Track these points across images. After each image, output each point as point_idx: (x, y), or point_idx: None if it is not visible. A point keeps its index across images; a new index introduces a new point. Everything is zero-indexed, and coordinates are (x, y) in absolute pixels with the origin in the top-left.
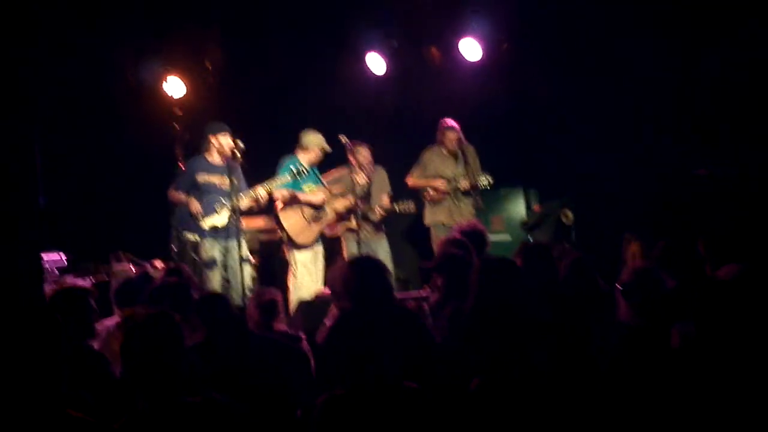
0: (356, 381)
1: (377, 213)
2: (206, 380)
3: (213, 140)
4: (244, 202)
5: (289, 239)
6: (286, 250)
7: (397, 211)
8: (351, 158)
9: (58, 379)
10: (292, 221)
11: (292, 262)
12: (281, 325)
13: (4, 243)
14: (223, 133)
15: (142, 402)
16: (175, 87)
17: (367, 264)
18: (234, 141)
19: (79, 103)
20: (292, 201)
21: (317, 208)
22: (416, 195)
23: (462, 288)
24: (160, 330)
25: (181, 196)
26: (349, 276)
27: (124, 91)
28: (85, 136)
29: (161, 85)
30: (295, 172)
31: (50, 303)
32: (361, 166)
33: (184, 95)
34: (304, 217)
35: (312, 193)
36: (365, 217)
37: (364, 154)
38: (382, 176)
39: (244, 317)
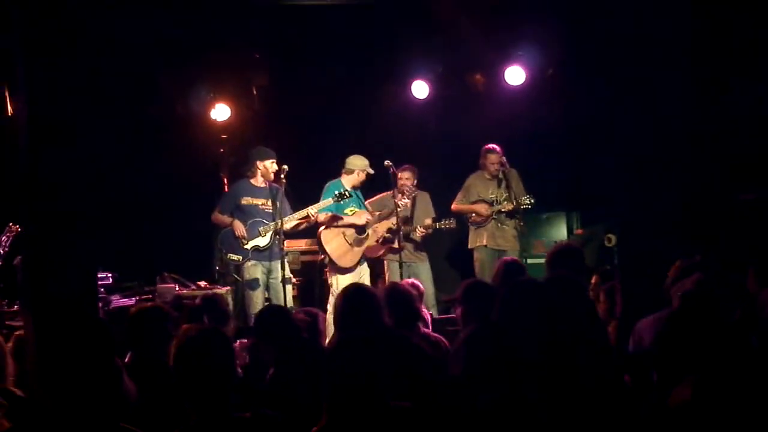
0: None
1: (419, 233)
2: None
3: (259, 165)
4: (288, 224)
5: (332, 262)
6: (328, 273)
7: (438, 227)
8: (394, 181)
9: (111, 391)
10: (335, 244)
11: (334, 285)
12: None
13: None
14: (269, 159)
15: (193, 417)
16: (221, 112)
17: (355, 293)
18: (278, 165)
19: (130, 128)
20: (335, 223)
21: (359, 230)
22: (462, 220)
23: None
24: (212, 345)
25: (225, 218)
26: (338, 305)
27: (172, 117)
28: (135, 161)
29: (208, 112)
30: (338, 195)
31: (132, 319)
32: (404, 189)
33: (230, 120)
34: (346, 240)
35: (355, 215)
36: (407, 238)
37: (407, 177)
38: (425, 200)
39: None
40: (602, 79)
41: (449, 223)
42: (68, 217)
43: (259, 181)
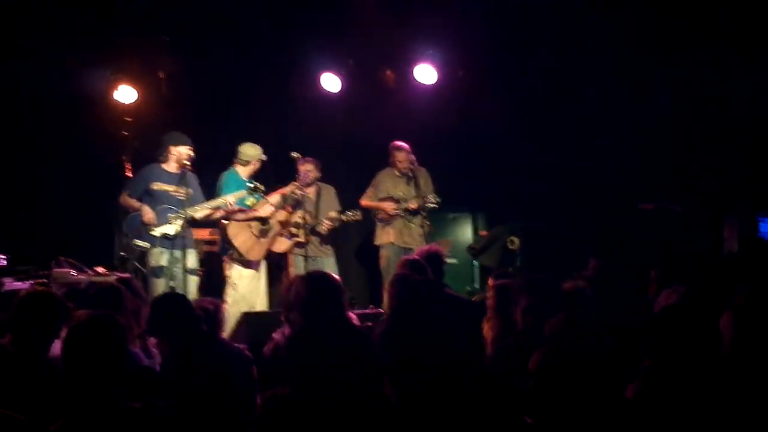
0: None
1: (325, 225)
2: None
3: (173, 150)
4: (199, 213)
5: (240, 256)
6: (226, 264)
7: (344, 220)
8: (300, 174)
9: None
10: (243, 237)
11: (234, 277)
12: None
13: None
14: (184, 144)
15: (80, 405)
16: (125, 95)
17: (321, 279)
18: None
19: (27, 107)
20: (239, 216)
21: (264, 222)
22: (369, 215)
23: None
24: (102, 331)
25: (133, 202)
26: (302, 290)
27: (72, 97)
28: (31, 141)
29: (111, 93)
30: (252, 188)
31: (18, 303)
32: (309, 182)
33: (135, 103)
34: (252, 232)
35: (259, 208)
36: (313, 232)
37: (309, 168)
38: (330, 193)
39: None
40: (513, 82)
41: (355, 215)
42: None
43: (171, 167)
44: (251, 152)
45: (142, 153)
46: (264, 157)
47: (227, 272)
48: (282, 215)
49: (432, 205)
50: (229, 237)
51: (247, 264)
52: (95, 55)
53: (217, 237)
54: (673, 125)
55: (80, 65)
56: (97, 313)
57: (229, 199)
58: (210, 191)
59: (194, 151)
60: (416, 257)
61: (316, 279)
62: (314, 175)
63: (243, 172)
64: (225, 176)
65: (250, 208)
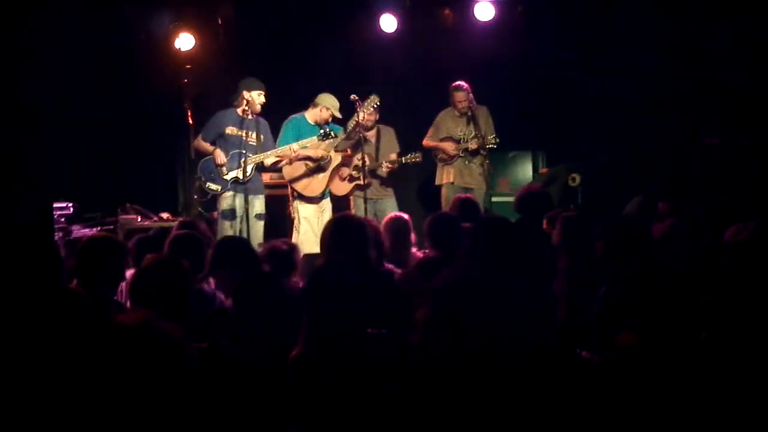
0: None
1: (384, 168)
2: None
3: (246, 95)
4: (268, 159)
5: (297, 193)
6: (291, 206)
7: (403, 162)
8: (360, 116)
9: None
10: (298, 174)
11: (296, 217)
12: (297, 280)
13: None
14: (257, 90)
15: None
16: (185, 41)
17: (344, 222)
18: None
19: (91, 57)
20: (296, 157)
21: (320, 160)
22: (430, 156)
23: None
24: (168, 274)
25: (207, 146)
26: (326, 231)
27: (134, 45)
28: (96, 89)
29: (172, 41)
30: (323, 134)
31: (84, 249)
32: (369, 125)
33: (194, 50)
34: (309, 168)
35: (311, 148)
36: (373, 174)
37: (371, 112)
38: (389, 134)
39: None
40: (571, 18)
41: (415, 157)
42: (26, 143)
43: (244, 112)
44: (326, 100)
45: (202, 100)
46: (338, 114)
47: (293, 214)
48: (339, 157)
49: (491, 145)
50: (286, 177)
51: (306, 201)
52: (155, 3)
53: (280, 181)
54: (736, 54)
55: (140, 13)
56: (163, 257)
57: (293, 146)
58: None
59: (266, 95)
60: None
61: (338, 221)
62: (374, 117)
63: (310, 116)
64: (289, 120)
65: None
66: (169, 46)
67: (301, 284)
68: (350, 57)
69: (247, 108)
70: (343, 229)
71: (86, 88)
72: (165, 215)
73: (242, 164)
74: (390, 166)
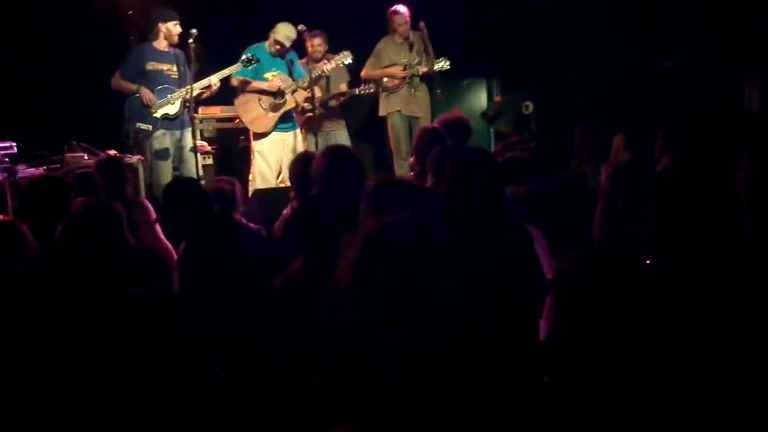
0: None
1: (337, 99)
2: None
3: (161, 27)
4: (195, 90)
5: (245, 127)
6: (251, 139)
7: (357, 93)
8: (309, 48)
9: None
10: (247, 107)
11: (254, 151)
12: (238, 216)
13: None
14: (172, 20)
15: (81, 294)
16: None
17: (341, 152)
18: (182, 27)
19: None
20: (247, 88)
21: (275, 95)
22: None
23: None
24: (98, 220)
25: (129, 84)
26: (323, 164)
27: None
28: (35, 22)
29: None
30: (245, 60)
31: (27, 191)
32: (316, 56)
33: None
34: (261, 104)
35: (269, 82)
36: (325, 106)
37: (318, 43)
38: (341, 70)
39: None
40: None
41: (368, 88)
42: None
43: (162, 45)
44: (281, 31)
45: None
46: (283, 41)
47: (252, 146)
48: (298, 94)
49: (442, 69)
50: (236, 107)
51: (257, 137)
52: None
53: (230, 113)
54: None
55: None
56: (92, 200)
57: (212, 78)
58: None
59: (184, 26)
60: (436, 125)
61: (336, 153)
62: (324, 48)
63: (270, 46)
64: (247, 49)
65: (269, 81)
66: None
67: (243, 220)
68: None
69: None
70: (341, 161)
71: (29, 23)
72: (113, 152)
73: (170, 99)
74: (342, 97)
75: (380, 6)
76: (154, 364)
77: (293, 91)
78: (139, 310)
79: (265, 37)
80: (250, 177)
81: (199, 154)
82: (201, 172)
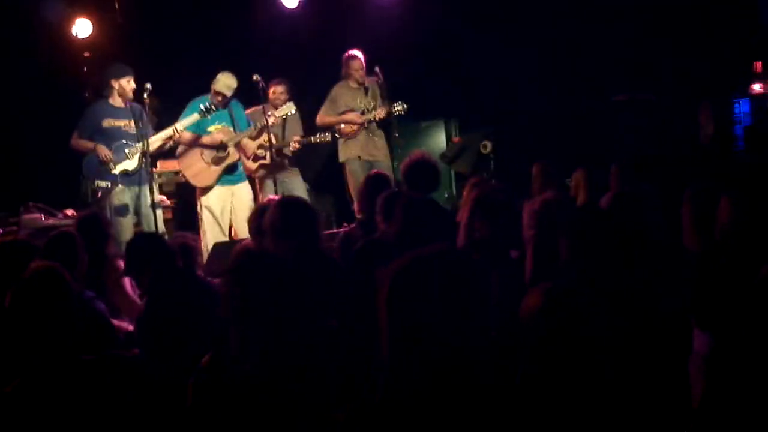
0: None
1: (292, 147)
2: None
3: (114, 83)
4: (153, 145)
5: (188, 182)
6: (197, 194)
7: (312, 141)
8: (264, 96)
9: None
10: (189, 162)
11: (199, 207)
12: (200, 272)
13: None
14: (125, 76)
15: (35, 362)
16: (82, 28)
17: (295, 204)
18: (136, 82)
19: None
20: (189, 142)
21: (218, 149)
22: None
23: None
24: (47, 286)
25: (86, 143)
26: (276, 216)
27: (28, 32)
28: None
29: (68, 27)
30: (203, 109)
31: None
32: (276, 104)
33: (92, 36)
34: (203, 158)
35: (214, 133)
36: (280, 154)
37: (281, 91)
38: (295, 115)
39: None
40: None
41: (324, 137)
42: None
43: (117, 101)
44: (221, 81)
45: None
46: (224, 92)
47: (198, 202)
48: (251, 142)
49: (400, 112)
50: (178, 161)
51: (205, 191)
52: None
53: None
54: (639, 13)
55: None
56: (39, 267)
57: (177, 126)
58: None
59: (138, 81)
60: (380, 171)
61: (289, 204)
62: (285, 96)
63: (211, 98)
64: (191, 103)
65: (211, 135)
66: (65, 33)
67: (205, 277)
68: (252, 34)
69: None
70: (294, 213)
71: None
72: (70, 212)
73: (128, 155)
74: (297, 145)
75: (332, 50)
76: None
77: (236, 143)
78: (92, 377)
79: (209, 88)
80: (201, 232)
81: (159, 210)
82: (162, 228)
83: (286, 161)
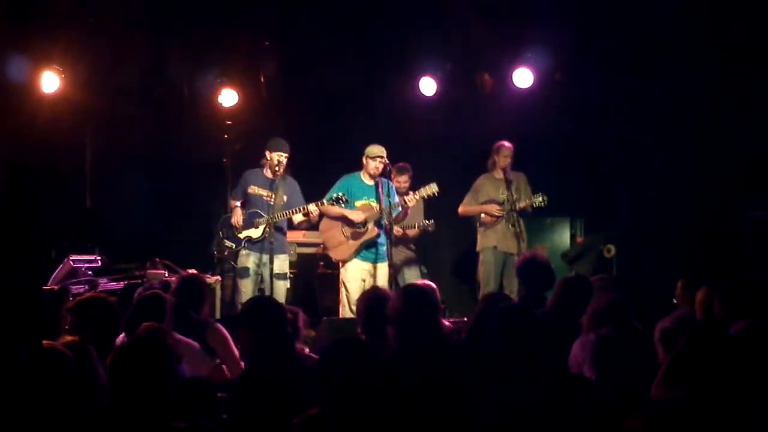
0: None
1: (411, 233)
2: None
3: (268, 155)
4: (292, 217)
5: (324, 253)
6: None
7: (422, 195)
8: (395, 183)
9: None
10: (329, 234)
11: (342, 276)
12: (300, 345)
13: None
14: (277, 151)
15: (128, 427)
16: (227, 97)
17: (418, 292)
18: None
19: (133, 109)
20: (333, 215)
21: (359, 225)
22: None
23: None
24: (148, 353)
25: (233, 203)
26: (398, 304)
27: (178, 100)
28: (136, 143)
29: (215, 96)
30: (334, 199)
31: (74, 308)
32: (402, 192)
33: (236, 106)
34: (342, 232)
35: (355, 210)
36: (399, 239)
37: (404, 180)
38: (419, 203)
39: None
40: (611, 85)
41: (429, 225)
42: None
43: (267, 172)
44: (371, 150)
45: (242, 156)
46: (375, 162)
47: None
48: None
49: (541, 204)
50: (320, 232)
51: (342, 263)
52: (202, 58)
53: (313, 239)
54: None
55: (185, 68)
56: (143, 335)
57: (310, 207)
58: (311, 195)
59: (288, 158)
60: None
61: (413, 292)
62: (408, 185)
63: (365, 173)
64: (340, 180)
65: (350, 209)
66: (212, 101)
67: (306, 350)
68: (389, 119)
69: (277, 168)
70: (417, 301)
71: (126, 139)
72: (192, 271)
73: (255, 224)
74: (417, 231)
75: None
76: None
77: (377, 221)
78: None
79: (344, 166)
80: (342, 301)
81: (281, 281)
82: (282, 299)
83: (404, 247)
